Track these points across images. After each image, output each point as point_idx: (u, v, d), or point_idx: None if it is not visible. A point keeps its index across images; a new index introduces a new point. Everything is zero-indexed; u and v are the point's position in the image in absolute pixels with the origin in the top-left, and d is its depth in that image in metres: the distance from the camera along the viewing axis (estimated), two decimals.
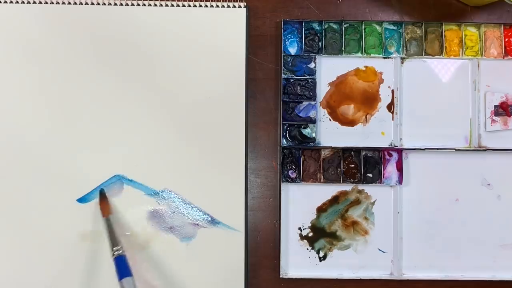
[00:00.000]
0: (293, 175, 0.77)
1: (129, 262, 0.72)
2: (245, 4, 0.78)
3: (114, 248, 0.69)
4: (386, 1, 0.80)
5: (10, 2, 0.77)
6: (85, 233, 0.75)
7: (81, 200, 0.75)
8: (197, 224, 0.75)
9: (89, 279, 0.75)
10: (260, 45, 0.79)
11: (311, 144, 0.77)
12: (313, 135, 0.77)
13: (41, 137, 0.75)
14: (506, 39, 0.78)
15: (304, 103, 0.77)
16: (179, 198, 0.76)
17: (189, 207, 0.76)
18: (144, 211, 0.75)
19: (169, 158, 0.76)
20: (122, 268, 0.67)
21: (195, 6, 0.78)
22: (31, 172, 0.75)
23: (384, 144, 0.77)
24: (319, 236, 0.77)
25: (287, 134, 0.77)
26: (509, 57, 0.78)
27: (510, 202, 0.78)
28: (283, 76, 0.77)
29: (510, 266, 0.77)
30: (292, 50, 0.78)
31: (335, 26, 0.78)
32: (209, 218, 0.75)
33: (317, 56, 0.78)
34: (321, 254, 0.77)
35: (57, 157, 0.75)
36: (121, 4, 0.77)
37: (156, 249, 0.75)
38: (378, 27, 0.78)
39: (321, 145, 0.77)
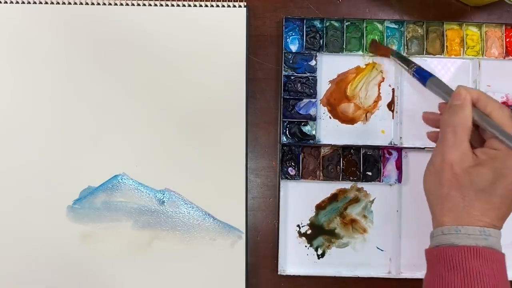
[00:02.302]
0: (293, 173, 0.77)
1: (129, 261, 0.74)
2: (245, 4, 0.78)
3: (408, 68, 0.70)
4: (386, 0, 0.80)
5: (10, 2, 0.77)
6: (85, 233, 0.75)
7: (81, 200, 0.75)
8: (198, 224, 0.75)
9: (89, 279, 0.75)
10: (260, 45, 0.79)
11: (311, 141, 0.77)
12: (313, 132, 0.77)
13: (41, 137, 0.75)
14: (507, 39, 0.79)
15: (304, 100, 0.77)
16: (179, 198, 0.76)
17: (190, 207, 0.76)
18: (144, 211, 0.75)
19: (170, 158, 0.76)
20: (424, 74, 0.67)
21: (195, 6, 0.78)
22: (31, 172, 0.75)
23: (383, 142, 0.78)
24: (318, 233, 0.77)
25: (287, 131, 0.77)
26: (510, 57, 0.79)
27: None
28: (283, 73, 0.77)
29: (510, 265, 0.76)
30: (293, 48, 0.78)
31: (336, 24, 0.78)
32: (210, 218, 0.75)
33: (318, 54, 0.78)
34: (320, 251, 0.77)
35: (57, 157, 0.75)
36: (121, 4, 0.77)
37: (157, 248, 0.75)
38: (379, 26, 0.78)
39: (320, 143, 0.77)
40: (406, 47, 0.78)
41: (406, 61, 0.70)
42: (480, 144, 0.57)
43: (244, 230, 0.75)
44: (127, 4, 0.77)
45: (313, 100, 0.77)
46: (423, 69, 0.67)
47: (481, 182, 0.54)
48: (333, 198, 0.78)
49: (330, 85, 0.78)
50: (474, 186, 0.54)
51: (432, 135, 0.65)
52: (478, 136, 0.58)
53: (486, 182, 0.53)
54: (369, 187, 0.78)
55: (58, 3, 0.77)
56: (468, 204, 0.54)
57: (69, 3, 0.77)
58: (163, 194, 0.75)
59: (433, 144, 0.76)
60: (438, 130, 0.62)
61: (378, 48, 0.77)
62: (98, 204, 0.75)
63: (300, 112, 0.77)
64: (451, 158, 0.55)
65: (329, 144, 0.77)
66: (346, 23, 0.78)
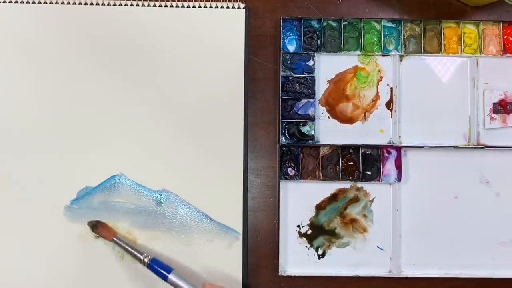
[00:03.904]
0: (292, 173, 0.77)
1: (126, 262, 0.75)
2: (244, 5, 0.78)
3: (142, 257, 0.70)
4: (386, 1, 0.81)
5: (9, 2, 0.77)
6: (83, 233, 0.75)
7: (79, 200, 0.75)
8: (195, 225, 0.75)
9: (86, 279, 0.75)
10: (260, 45, 0.79)
11: (310, 141, 0.77)
12: (312, 132, 0.77)
13: (39, 137, 0.76)
14: (505, 37, 0.78)
15: (302, 100, 0.77)
16: (177, 199, 0.76)
17: (188, 208, 0.76)
18: (142, 212, 0.75)
19: (168, 159, 0.76)
20: (161, 268, 0.69)
21: (194, 6, 0.78)
22: (28, 172, 0.75)
23: (382, 141, 0.77)
24: (318, 233, 0.77)
25: (286, 131, 0.77)
26: (508, 54, 0.78)
27: (508, 200, 0.77)
28: (281, 73, 0.77)
29: (509, 263, 0.77)
30: (291, 48, 0.78)
31: (334, 24, 0.78)
32: (208, 219, 0.75)
33: (316, 54, 0.78)
34: (320, 251, 0.77)
35: (54, 157, 0.75)
36: (120, 4, 0.78)
37: (154, 249, 0.75)
38: (377, 25, 0.79)
39: (319, 143, 0.77)
40: (403, 46, 0.78)
41: (134, 250, 0.72)
42: None
43: (241, 231, 0.75)
44: (126, 5, 0.78)
45: (312, 100, 0.77)
46: (159, 261, 0.70)
47: None
48: (333, 198, 0.77)
49: (328, 85, 0.78)
50: None
51: None
52: None
53: None
54: (369, 187, 0.78)
55: (57, 3, 0.78)
56: None
57: (68, 3, 0.77)
58: (161, 195, 0.75)
59: (432, 143, 0.77)
60: None
61: (102, 230, 0.75)
62: (96, 204, 0.75)
63: (299, 112, 0.77)
64: None
65: (328, 144, 0.77)
66: (344, 23, 0.78)
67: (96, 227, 0.74)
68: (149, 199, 0.75)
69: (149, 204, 0.75)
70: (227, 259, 0.75)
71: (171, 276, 0.67)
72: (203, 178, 0.76)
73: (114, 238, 0.73)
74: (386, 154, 0.77)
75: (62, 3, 0.77)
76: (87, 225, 0.74)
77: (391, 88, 0.78)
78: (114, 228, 0.75)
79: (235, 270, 0.75)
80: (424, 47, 0.78)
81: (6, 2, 0.77)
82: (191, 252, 0.75)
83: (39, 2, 0.77)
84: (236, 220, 0.75)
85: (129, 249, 0.72)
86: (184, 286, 0.67)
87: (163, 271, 0.68)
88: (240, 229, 0.75)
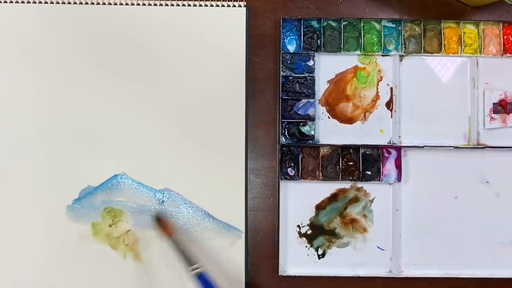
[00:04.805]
0: (292, 173, 0.77)
1: (128, 261, 0.75)
2: (245, 4, 0.78)
3: (194, 267, 0.69)
4: (386, 1, 0.81)
5: (10, 2, 0.77)
6: (85, 233, 0.75)
7: (81, 199, 0.75)
8: (197, 224, 0.75)
9: (88, 278, 0.75)
10: (260, 45, 0.79)
11: (310, 141, 0.77)
12: (312, 132, 0.77)
13: (41, 137, 0.76)
14: (505, 37, 0.78)
15: (302, 100, 0.77)
16: (179, 198, 0.76)
17: (189, 207, 0.76)
18: (144, 211, 0.76)
19: (169, 158, 0.76)
20: (208, 286, 0.68)
21: (195, 5, 0.78)
22: (30, 172, 0.75)
23: (382, 141, 0.77)
24: (318, 233, 0.77)
25: (286, 131, 0.77)
26: (508, 54, 0.78)
27: (508, 200, 0.77)
28: (281, 73, 0.77)
29: (509, 263, 0.77)
30: (291, 48, 0.78)
31: (334, 24, 0.78)
32: (210, 218, 0.75)
33: (316, 54, 0.78)
34: (320, 251, 0.77)
35: (56, 156, 0.76)
36: (121, 4, 0.78)
37: (156, 249, 0.75)
38: (377, 25, 0.79)
39: (319, 143, 0.77)
40: (403, 46, 0.78)
41: (187, 258, 0.71)
42: None
43: (243, 230, 0.75)
44: (126, 4, 0.78)
45: (312, 100, 0.77)
46: (209, 278, 0.69)
47: None
48: (333, 198, 0.78)
49: (328, 85, 0.78)
50: None
51: None
52: None
53: None
54: (369, 187, 0.78)
55: (58, 2, 0.78)
56: None
57: (69, 3, 0.78)
58: (163, 194, 0.75)
59: (432, 143, 0.77)
60: None
61: (163, 226, 0.75)
62: (98, 204, 0.75)
63: (299, 112, 0.77)
64: None
65: (328, 144, 0.77)
66: (344, 23, 0.78)
67: (159, 220, 0.75)
68: (151, 198, 0.76)
69: (151, 203, 0.76)
70: (230, 257, 0.75)
71: None
72: (205, 177, 0.76)
73: (173, 237, 0.73)
74: (386, 154, 0.77)
75: (63, 2, 0.77)
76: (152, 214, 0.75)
77: (391, 88, 0.78)
78: (120, 226, 0.75)
79: (237, 268, 0.75)
80: (424, 47, 0.78)
81: (6, 2, 0.77)
82: (193, 250, 0.75)
83: (40, 2, 0.77)
84: (238, 218, 0.76)
85: (183, 254, 0.71)
86: None
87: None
88: (242, 227, 0.75)
